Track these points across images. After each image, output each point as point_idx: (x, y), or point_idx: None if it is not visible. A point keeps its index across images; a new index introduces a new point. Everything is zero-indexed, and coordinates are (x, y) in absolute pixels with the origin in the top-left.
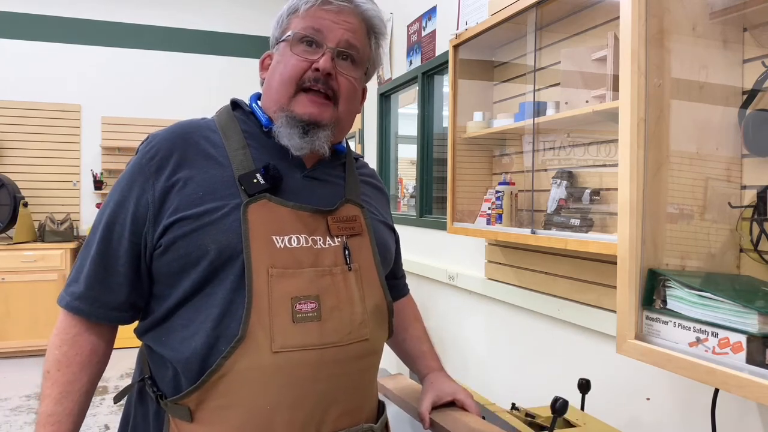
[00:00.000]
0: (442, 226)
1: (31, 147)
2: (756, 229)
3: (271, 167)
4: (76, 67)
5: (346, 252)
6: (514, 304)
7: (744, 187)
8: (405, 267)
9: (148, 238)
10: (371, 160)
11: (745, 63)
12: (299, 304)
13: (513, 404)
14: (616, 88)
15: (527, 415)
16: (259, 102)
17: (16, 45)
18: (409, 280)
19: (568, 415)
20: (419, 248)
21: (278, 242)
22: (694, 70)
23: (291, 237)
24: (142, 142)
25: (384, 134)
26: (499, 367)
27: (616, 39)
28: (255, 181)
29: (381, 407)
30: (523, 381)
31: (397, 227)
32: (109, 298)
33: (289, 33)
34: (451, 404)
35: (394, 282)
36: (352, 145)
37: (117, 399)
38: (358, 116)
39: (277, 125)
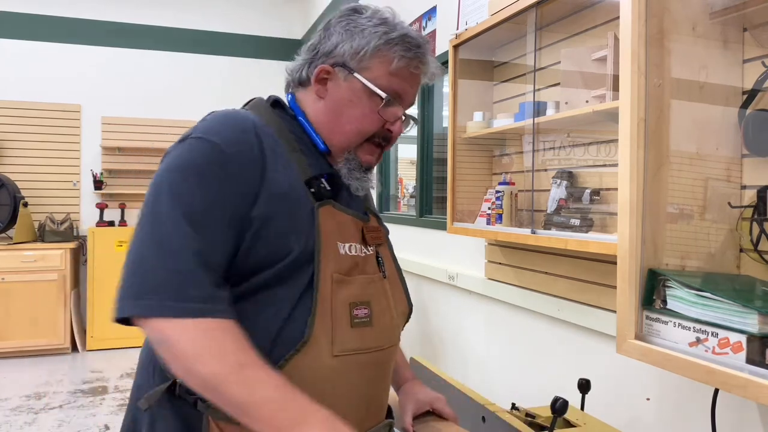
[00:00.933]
0: (442, 226)
1: (31, 147)
2: (756, 229)
3: (335, 174)
4: (76, 67)
5: (379, 260)
6: (514, 304)
7: (744, 187)
8: (405, 267)
9: (245, 237)
10: None
11: (745, 63)
12: (356, 309)
13: (513, 404)
14: (616, 88)
15: (527, 415)
16: (300, 110)
17: (16, 45)
18: (409, 280)
19: (568, 415)
20: (419, 248)
21: (341, 248)
22: (694, 70)
23: (350, 244)
24: (198, 137)
25: None
26: (499, 367)
27: (616, 39)
28: (321, 186)
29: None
30: (523, 381)
31: (397, 227)
32: (226, 294)
33: (372, 82)
34: (429, 413)
35: None
36: None
37: (146, 404)
38: None
39: (342, 165)
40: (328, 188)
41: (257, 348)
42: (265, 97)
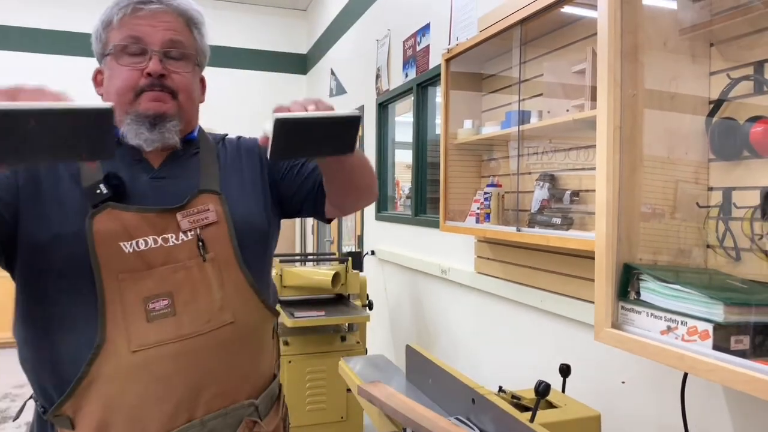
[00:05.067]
0: (435, 225)
1: None
2: (721, 227)
3: (111, 176)
4: (75, 73)
5: (200, 244)
6: (501, 295)
7: (710, 189)
8: (400, 263)
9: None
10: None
11: (712, 75)
12: (152, 303)
13: (500, 387)
14: (594, 98)
15: (513, 397)
16: None
17: (14, 57)
18: (404, 275)
19: (550, 397)
20: (414, 245)
21: (126, 248)
22: (665, 82)
23: (139, 240)
24: None
25: (382, 141)
26: (487, 353)
27: (594, 53)
28: (98, 191)
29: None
30: (509, 366)
31: (394, 226)
32: None
33: (110, 47)
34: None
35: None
36: None
37: (15, 417)
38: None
39: (123, 128)
40: (105, 192)
41: (65, 355)
42: None
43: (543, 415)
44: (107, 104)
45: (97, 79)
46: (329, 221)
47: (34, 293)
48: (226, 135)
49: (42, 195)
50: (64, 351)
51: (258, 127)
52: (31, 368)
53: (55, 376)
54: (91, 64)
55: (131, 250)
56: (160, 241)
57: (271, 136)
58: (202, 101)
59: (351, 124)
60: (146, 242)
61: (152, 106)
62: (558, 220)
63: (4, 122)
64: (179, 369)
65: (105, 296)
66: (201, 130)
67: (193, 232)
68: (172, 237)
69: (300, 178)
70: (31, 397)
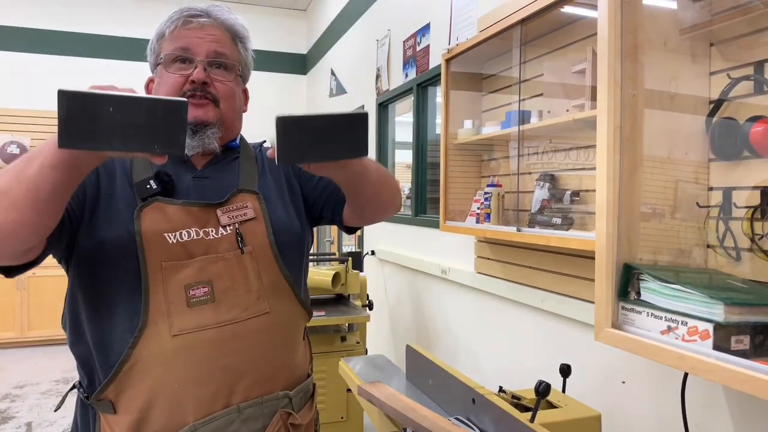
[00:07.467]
0: (435, 225)
1: None
2: (722, 227)
3: (162, 173)
4: (75, 76)
5: (239, 238)
6: (501, 296)
7: (711, 189)
8: (401, 262)
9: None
10: None
11: (712, 75)
12: (192, 290)
13: (500, 387)
14: (594, 98)
15: (513, 397)
16: None
17: (17, 57)
18: (404, 275)
19: (550, 397)
20: (415, 245)
21: (170, 238)
22: (665, 82)
23: (182, 232)
24: None
25: (382, 141)
26: (487, 353)
27: (594, 53)
28: (148, 187)
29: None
30: (509, 366)
31: (394, 225)
32: None
33: (161, 56)
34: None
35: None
36: None
37: (57, 407)
38: None
39: None
40: (155, 187)
41: (112, 338)
42: None
43: (543, 415)
44: (182, 98)
45: (149, 87)
46: (350, 231)
47: (85, 280)
48: (264, 142)
49: (99, 188)
50: (111, 335)
51: (261, 127)
52: (79, 353)
53: (102, 361)
54: (91, 64)
55: (175, 241)
56: (201, 233)
57: (275, 139)
58: (244, 111)
59: (358, 123)
60: (189, 234)
61: (193, 114)
62: (558, 220)
63: (85, 106)
64: (218, 354)
65: (149, 283)
66: (243, 138)
67: (231, 227)
68: (212, 231)
69: (322, 183)
70: (73, 386)
